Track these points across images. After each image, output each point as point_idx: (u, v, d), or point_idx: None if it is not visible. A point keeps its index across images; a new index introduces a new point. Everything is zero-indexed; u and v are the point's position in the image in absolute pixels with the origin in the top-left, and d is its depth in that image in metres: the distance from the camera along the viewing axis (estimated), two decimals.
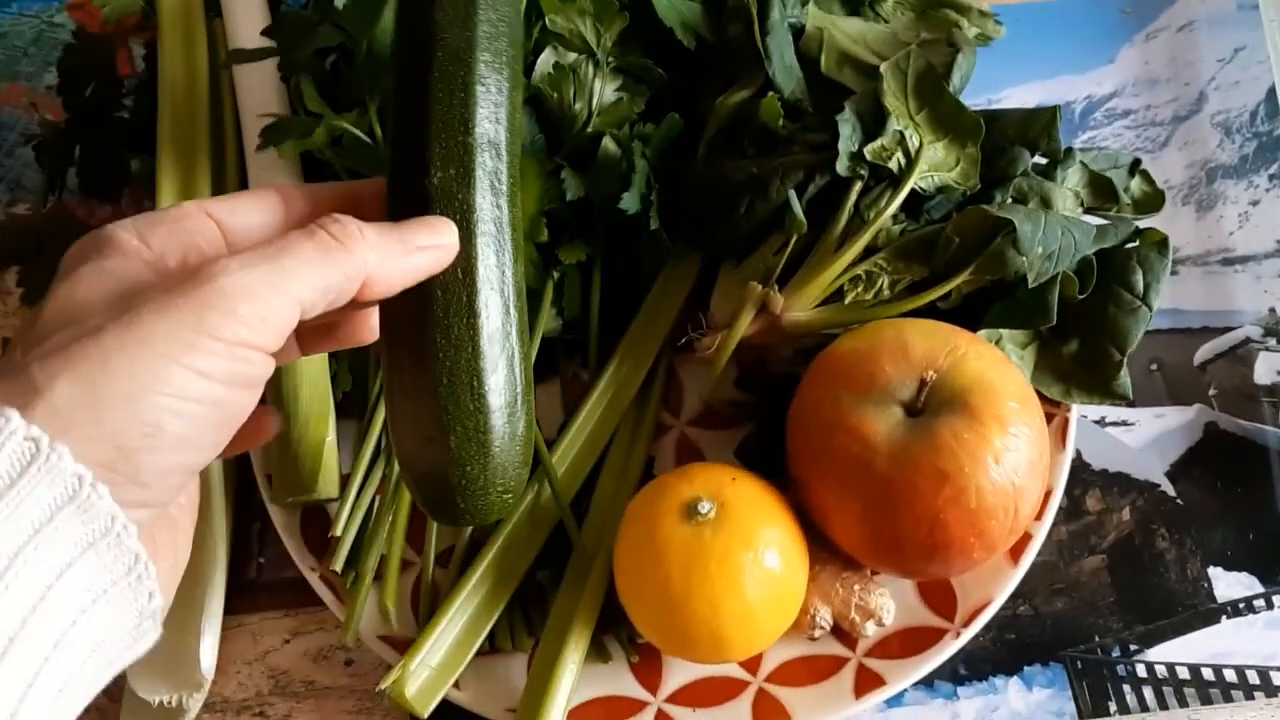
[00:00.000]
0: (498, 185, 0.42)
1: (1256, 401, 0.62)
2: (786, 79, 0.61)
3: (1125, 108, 0.73)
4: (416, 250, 0.39)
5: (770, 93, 0.60)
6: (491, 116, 0.42)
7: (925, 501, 0.48)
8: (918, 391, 0.50)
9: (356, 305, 0.39)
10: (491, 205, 0.42)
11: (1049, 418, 0.57)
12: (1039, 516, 0.55)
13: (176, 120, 0.61)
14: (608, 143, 0.59)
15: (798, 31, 0.64)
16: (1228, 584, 0.58)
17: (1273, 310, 0.65)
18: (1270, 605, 0.57)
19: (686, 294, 0.60)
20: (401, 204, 0.41)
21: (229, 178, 0.61)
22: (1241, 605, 0.57)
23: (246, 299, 0.35)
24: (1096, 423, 0.62)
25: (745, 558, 0.49)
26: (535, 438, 0.45)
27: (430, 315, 0.40)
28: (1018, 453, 0.49)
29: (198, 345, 0.34)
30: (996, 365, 0.51)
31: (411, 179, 0.41)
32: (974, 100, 0.71)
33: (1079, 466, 0.60)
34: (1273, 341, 0.64)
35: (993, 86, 0.74)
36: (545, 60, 0.59)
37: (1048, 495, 0.55)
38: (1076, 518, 0.59)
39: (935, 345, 0.51)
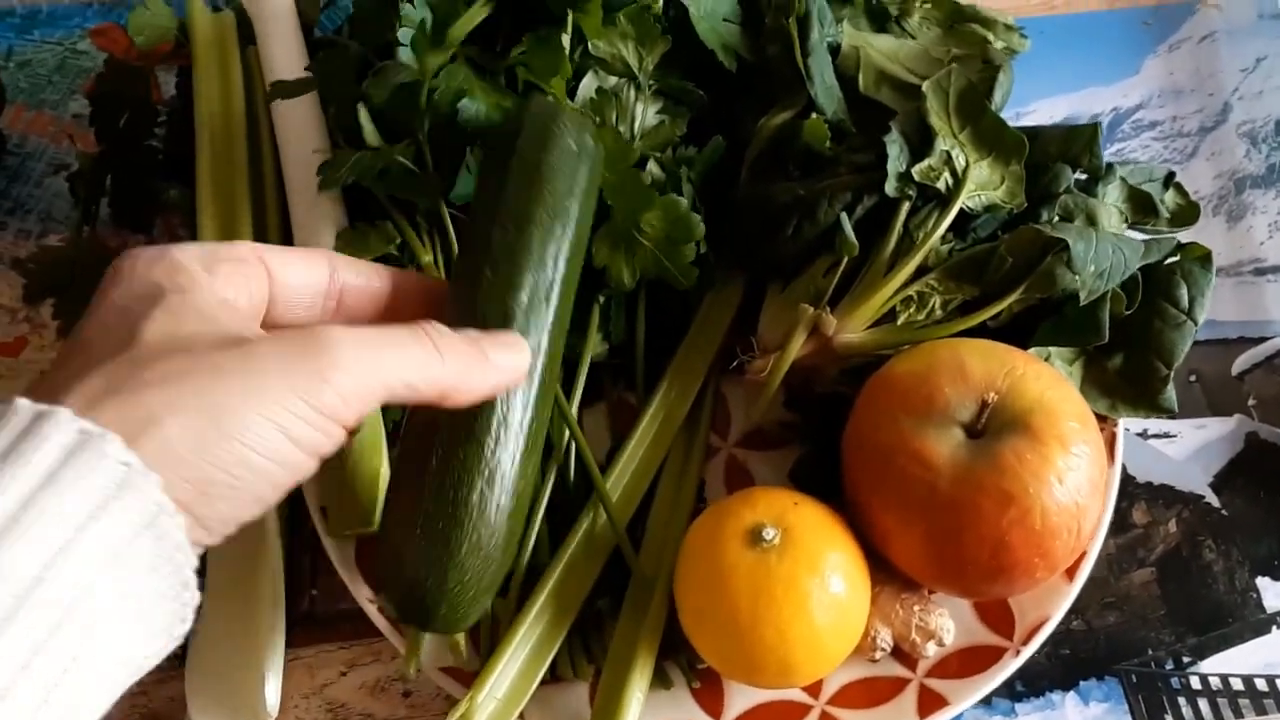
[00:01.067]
0: (557, 326, 0.47)
1: None
2: (829, 99, 0.61)
3: (1152, 119, 0.73)
4: (494, 369, 0.42)
5: (814, 114, 0.60)
6: (575, 256, 0.49)
7: (990, 523, 0.48)
8: (978, 413, 0.50)
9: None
10: (549, 343, 0.47)
11: None
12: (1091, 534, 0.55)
13: (215, 152, 0.60)
14: (652, 166, 0.59)
15: (834, 50, 0.64)
16: (1276, 594, 0.58)
17: None
18: None
19: (732, 316, 0.61)
20: (472, 312, 0.45)
21: (269, 209, 0.61)
22: None
23: (351, 375, 0.36)
24: (1139, 435, 0.63)
25: (811, 583, 0.49)
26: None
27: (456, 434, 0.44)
28: (1080, 472, 0.49)
29: (300, 411, 0.35)
30: (1055, 385, 0.51)
31: (498, 295, 0.46)
32: (1003, 115, 0.72)
33: (1124, 480, 0.61)
34: None
35: (1020, 100, 0.74)
36: (587, 85, 0.59)
37: (1099, 510, 0.55)
38: (1124, 531, 0.60)
39: (993, 366, 0.51)
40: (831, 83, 0.61)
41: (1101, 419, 0.58)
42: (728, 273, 0.61)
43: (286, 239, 0.60)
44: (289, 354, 0.35)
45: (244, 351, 0.35)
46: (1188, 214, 0.62)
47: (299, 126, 0.60)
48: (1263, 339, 0.65)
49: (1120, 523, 0.60)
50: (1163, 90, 0.75)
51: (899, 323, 0.56)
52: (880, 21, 0.72)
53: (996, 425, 0.50)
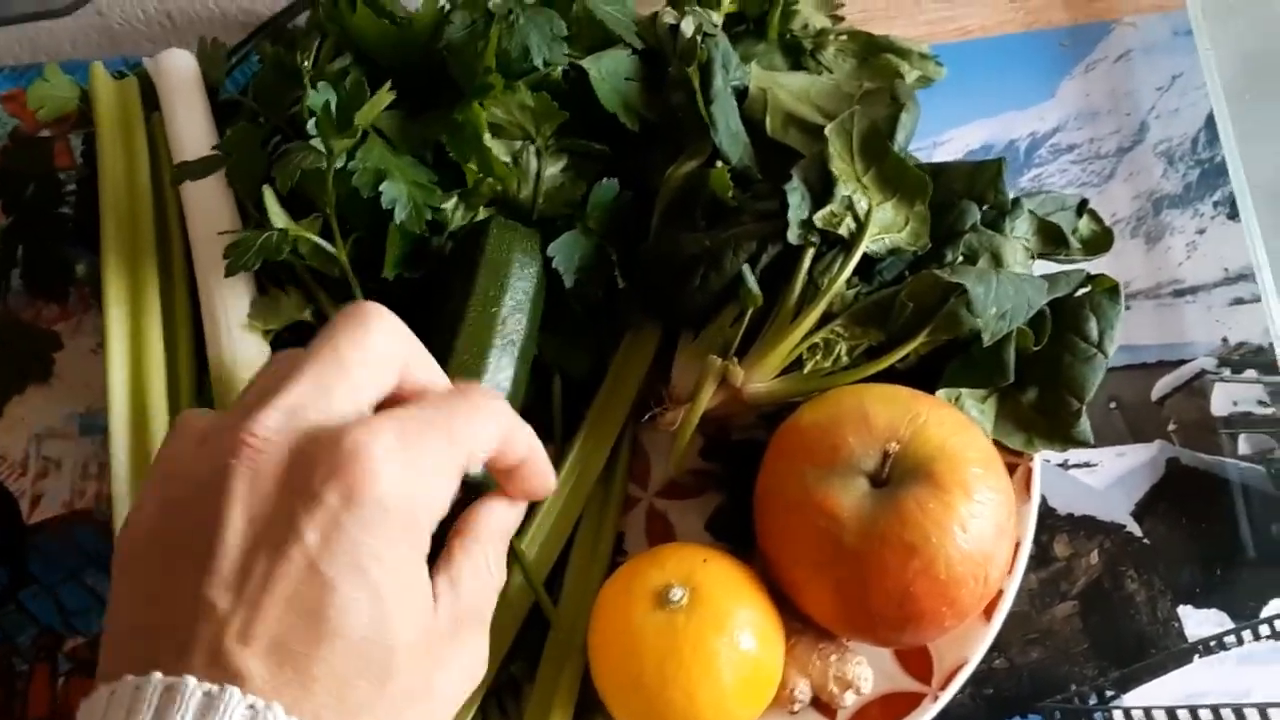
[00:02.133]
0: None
1: (1215, 434, 0.63)
2: (734, 146, 0.61)
3: (1069, 142, 0.73)
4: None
5: (719, 163, 0.60)
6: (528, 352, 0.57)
7: (895, 575, 0.48)
8: (881, 462, 0.50)
9: None
10: None
11: (1011, 468, 0.57)
12: (1009, 571, 0.55)
13: (120, 223, 0.60)
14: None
15: (741, 93, 0.64)
16: (1198, 622, 0.58)
17: (1225, 340, 0.66)
18: (1240, 641, 0.58)
19: (648, 365, 0.60)
20: None
21: (177, 279, 0.60)
22: (1212, 643, 0.58)
23: None
24: (1060, 466, 0.63)
25: (719, 643, 0.49)
26: None
27: None
28: (984, 519, 0.49)
29: None
30: (958, 430, 0.51)
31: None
32: (919, 143, 0.72)
33: (1045, 512, 0.61)
34: (1227, 372, 0.65)
35: (937, 128, 0.74)
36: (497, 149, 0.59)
37: (1016, 547, 0.55)
38: (1046, 565, 0.60)
39: (896, 413, 0.51)
40: (737, 128, 0.61)
41: (1018, 454, 0.58)
42: (644, 320, 0.61)
43: (195, 311, 0.59)
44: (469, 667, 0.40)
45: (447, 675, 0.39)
46: (1101, 240, 0.62)
47: (206, 201, 0.59)
48: (1182, 362, 0.65)
49: (1042, 556, 0.60)
50: (1080, 112, 0.75)
51: (806, 371, 0.56)
52: (795, 56, 0.72)
53: (900, 474, 0.50)
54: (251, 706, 0.32)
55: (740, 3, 0.73)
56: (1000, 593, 0.55)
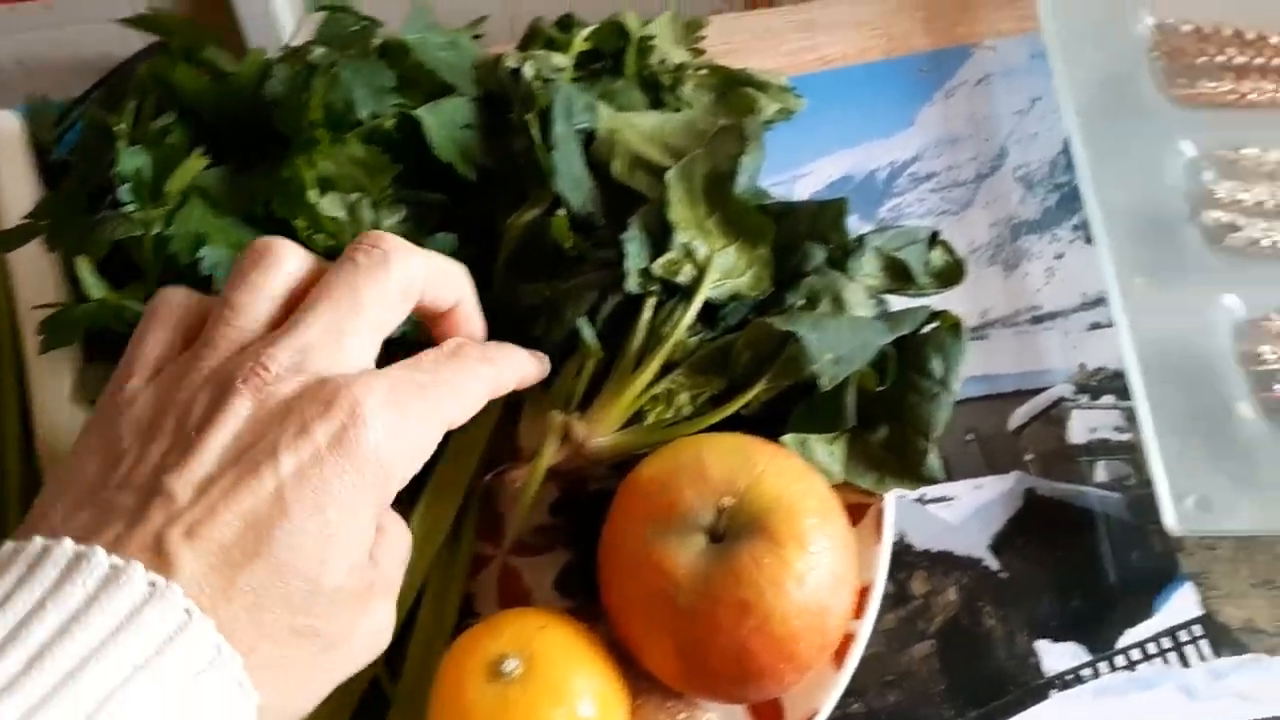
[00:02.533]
0: None
1: (1073, 461, 0.63)
2: (576, 193, 0.60)
3: (928, 170, 0.74)
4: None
5: (560, 210, 0.59)
6: None
7: (729, 633, 0.48)
8: (718, 517, 0.49)
9: None
10: None
11: (862, 508, 0.57)
12: (859, 614, 0.54)
13: None
14: None
15: (591, 136, 0.63)
16: (1055, 656, 0.58)
17: (1082, 365, 0.66)
18: (1096, 674, 0.57)
19: (497, 418, 0.59)
20: None
21: (3, 346, 0.59)
22: (1069, 677, 0.57)
23: None
24: (917, 501, 0.62)
25: (557, 714, 0.48)
26: None
27: None
28: (821, 569, 0.49)
29: None
30: (796, 480, 0.51)
31: None
32: (780, 177, 0.72)
33: (902, 549, 0.61)
34: (1085, 398, 0.65)
35: (799, 160, 0.74)
36: (329, 205, 0.57)
37: (867, 591, 0.55)
38: (903, 603, 0.59)
39: (734, 465, 0.51)
40: (580, 174, 0.61)
41: (869, 492, 0.58)
42: None
43: (19, 374, 0.57)
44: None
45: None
46: (953, 272, 0.61)
47: (31, 269, 0.58)
48: (1040, 390, 0.65)
49: (899, 595, 0.60)
50: (939, 139, 0.75)
51: (648, 423, 0.55)
52: (654, 93, 0.71)
53: (736, 528, 0.49)
54: (153, 584, 0.34)
55: (595, 40, 0.72)
56: (850, 637, 0.54)
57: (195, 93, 0.56)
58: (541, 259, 0.59)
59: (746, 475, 0.50)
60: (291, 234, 0.56)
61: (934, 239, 0.61)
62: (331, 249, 0.58)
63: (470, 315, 0.49)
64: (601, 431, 0.55)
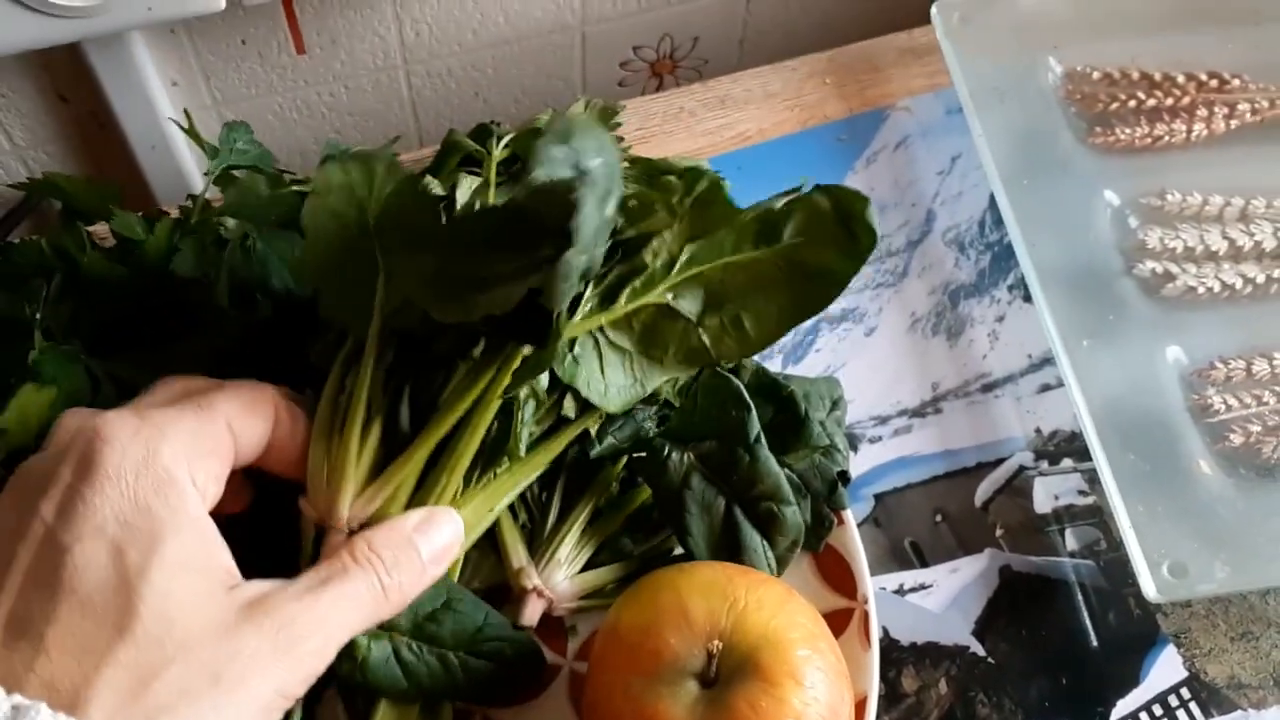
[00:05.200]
0: None
1: (1042, 533, 0.63)
2: None
3: None
4: (430, 573, 0.45)
5: None
6: None
7: None
8: (707, 662, 0.48)
9: None
10: None
11: (847, 614, 0.56)
12: None
13: None
14: None
15: None
16: None
17: (1039, 430, 0.66)
18: None
19: None
20: None
21: None
22: None
23: (323, 660, 0.41)
24: (896, 593, 0.61)
25: None
26: None
27: None
28: (818, 703, 0.47)
29: (279, 705, 0.39)
30: (779, 609, 0.50)
31: None
32: None
33: (888, 645, 0.60)
34: (1044, 464, 0.65)
35: None
36: None
37: (864, 702, 0.54)
38: (897, 703, 0.58)
39: (715, 604, 0.49)
40: None
41: (851, 595, 0.56)
42: None
43: None
44: (272, 649, 0.37)
45: (232, 651, 0.37)
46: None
47: None
48: (1000, 461, 0.65)
49: (891, 694, 0.59)
50: None
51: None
52: None
53: (728, 670, 0.48)
54: None
55: (514, 146, 0.71)
56: None
57: (100, 275, 0.52)
58: None
59: (729, 613, 0.49)
60: None
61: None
62: None
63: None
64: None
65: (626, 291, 0.52)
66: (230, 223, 0.51)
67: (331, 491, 0.47)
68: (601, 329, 0.52)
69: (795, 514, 0.54)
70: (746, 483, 0.54)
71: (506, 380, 0.49)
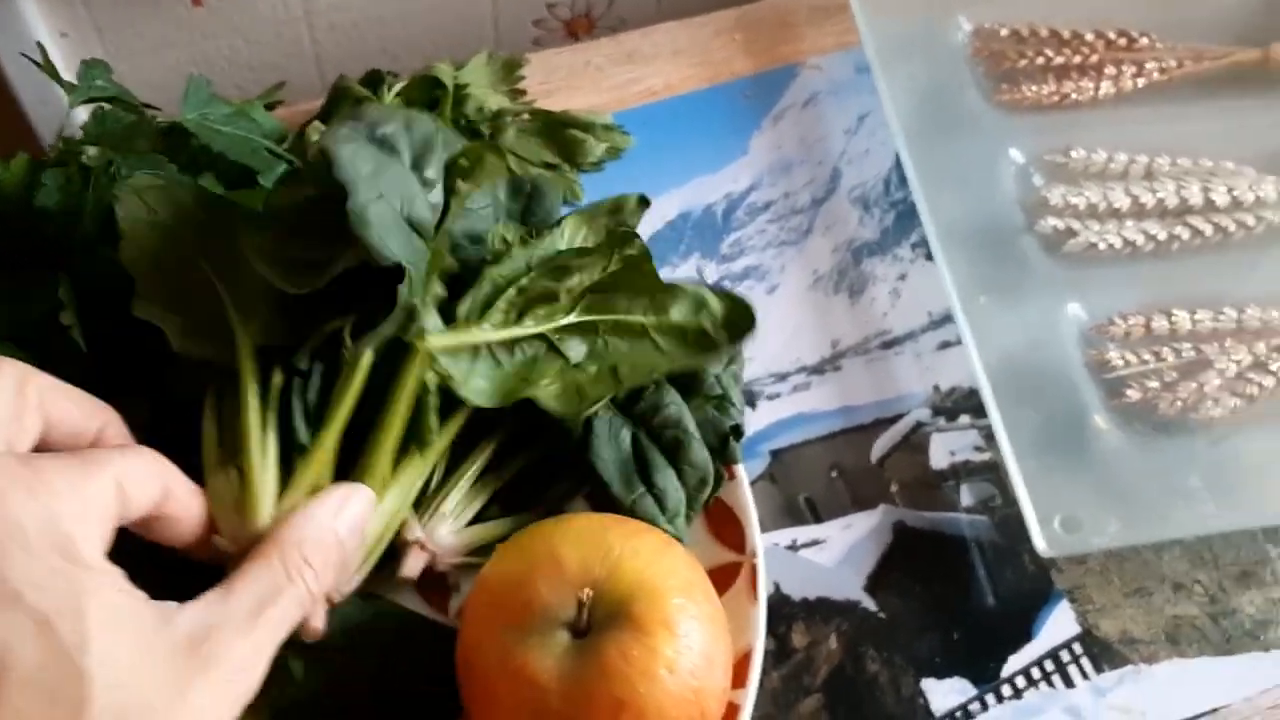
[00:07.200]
0: None
1: (938, 488, 0.62)
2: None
3: (765, 200, 0.72)
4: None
5: None
6: None
7: None
8: (579, 611, 0.46)
9: None
10: None
11: (734, 568, 0.55)
12: (741, 683, 0.52)
13: None
14: None
15: None
16: (943, 694, 0.57)
17: (937, 387, 0.65)
18: (985, 706, 0.56)
19: None
20: None
21: None
22: (959, 714, 0.56)
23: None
24: (789, 549, 0.60)
25: None
26: None
27: None
28: (692, 652, 0.46)
29: None
30: (656, 558, 0.48)
31: None
32: None
33: (779, 601, 0.59)
34: (942, 420, 0.64)
35: None
36: None
37: (748, 656, 0.53)
38: (785, 659, 0.57)
39: (588, 553, 0.48)
40: None
41: (739, 549, 0.55)
42: None
43: None
44: (225, 694, 0.38)
45: (190, 709, 0.36)
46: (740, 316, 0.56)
47: None
48: (898, 417, 0.64)
49: (781, 650, 0.58)
50: (772, 166, 0.73)
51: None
52: (474, 139, 0.68)
53: (600, 619, 0.46)
54: None
55: (406, 95, 0.69)
56: (735, 707, 0.52)
57: None
58: None
59: (603, 561, 0.47)
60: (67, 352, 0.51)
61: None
62: None
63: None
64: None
65: (530, 314, 0.52)
66: (92, 151, 0.49)
67: (246, 516, 0.46)
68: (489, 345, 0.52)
69: (701, 446, 0.53)
70: (651, 409, 0.54)
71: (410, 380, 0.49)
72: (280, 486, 0.48)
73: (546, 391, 0.52)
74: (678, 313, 0.54)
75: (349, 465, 0.49)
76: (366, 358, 0.49)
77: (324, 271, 0.47)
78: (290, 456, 0.49)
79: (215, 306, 0.49)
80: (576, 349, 0.53)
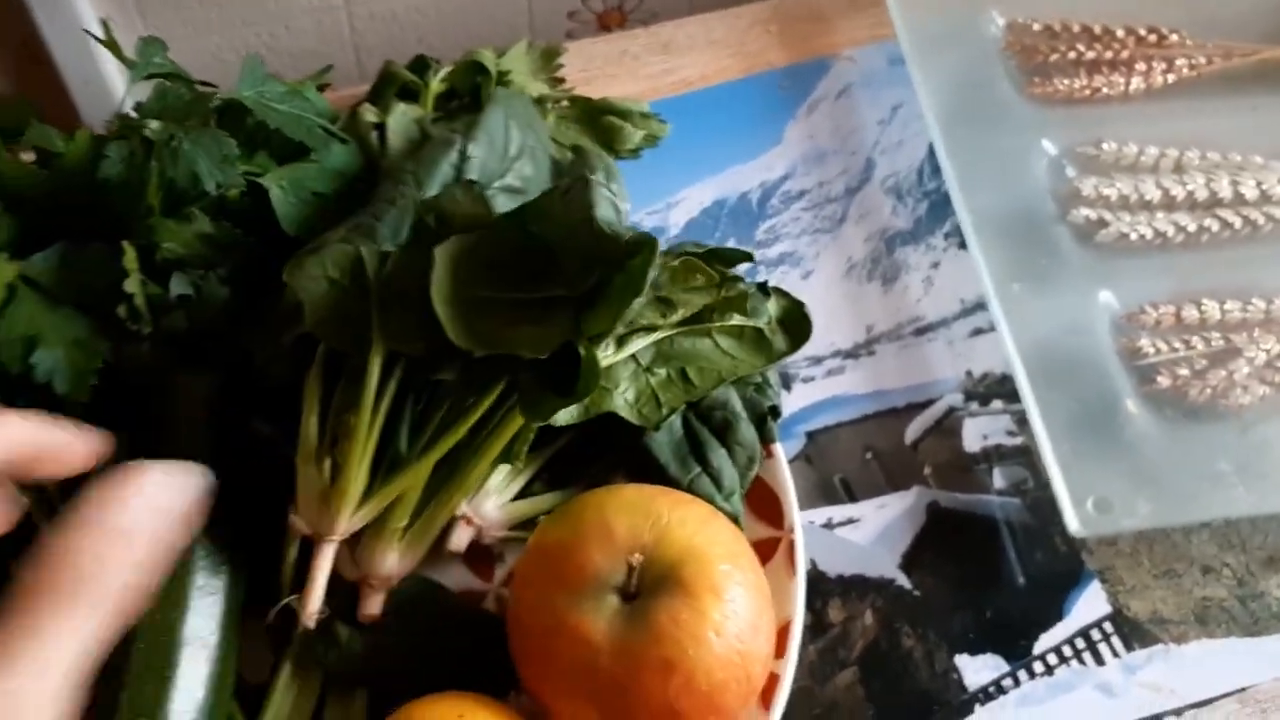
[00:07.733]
0: None
1: (970, 471, 0.63)
2: None
3: (799, 188, 0.73)
4: None
5: None
6: None
7: (657, 696, 0.46)
8: (628, 575, 0.48)
9: None
10: None
11: (773, 543, 0.56)
12: (781, 653, 0.53)
13: None
14: None
15: None
16: (975, 670, 0.58)
17: (969, 373, 0.66)
18: (1017, 682, 0.57)
19: None
20: None
21: None
22: (991, 689, 0.57)
23: None
24: (824, 527, 0.61)
25: None
26: None
27: None
28: (739, 617, 0.47)
29: None
30: (701, 527, 0.49)
31: None
32: (654, 206, 0.71)
33: (816, 577, 0.60)
34: (974, 405, 0.65)
35: (670, 188, 0.73)
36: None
37: (787, 628, 0.54)
38: (822, 633, 0.59)
39: (638, 520, 0.49)
40: None
41: (778, 525, 0.57)
42: None
43: None
44: None
45: None
46: (794, 316, 0.58)
47: None
48: (930, 402, 0.65)
49: (817, 625, 0.59)
50: (806, 155, 0.74)
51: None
52: None
53: (649, 584, 0.48)
54: None
55: (451, 80, 0.70)
56: (776, 678, 0.53)
57: (19, 181, 0.51)
58: None
59: (652, 529, 0.49)
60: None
61: (765, 291, 0.57)
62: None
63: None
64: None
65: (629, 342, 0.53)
66: (154, 124, 0.50)
67: (330, 507, 0.49)
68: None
69: (749, 426, 0.54)
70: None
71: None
72: (367, 486, 0.49)
73: (625, 400, 0.53)
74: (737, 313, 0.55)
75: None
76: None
77: (506, 340, 0.48)
78: (381, 460, 0.50)
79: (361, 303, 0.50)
80: (645, 350, 0.54)
